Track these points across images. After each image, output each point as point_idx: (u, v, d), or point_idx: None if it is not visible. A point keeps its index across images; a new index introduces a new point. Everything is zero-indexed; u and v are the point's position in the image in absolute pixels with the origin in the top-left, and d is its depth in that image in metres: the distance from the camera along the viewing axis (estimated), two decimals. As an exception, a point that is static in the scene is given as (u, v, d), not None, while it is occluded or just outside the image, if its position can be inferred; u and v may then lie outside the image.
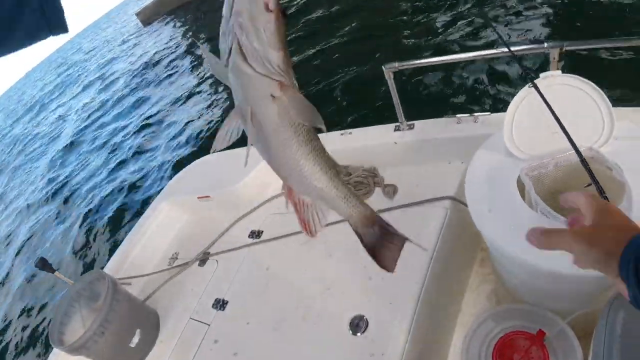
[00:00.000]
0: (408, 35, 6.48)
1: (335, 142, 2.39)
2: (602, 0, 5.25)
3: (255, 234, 2.30)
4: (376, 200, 2.17)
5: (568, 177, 1.72)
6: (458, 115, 2.16)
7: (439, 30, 6.26)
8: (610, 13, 4.96)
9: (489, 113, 2.12)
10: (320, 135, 2.46)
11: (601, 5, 5.14)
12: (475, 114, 2.13)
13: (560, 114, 1.71)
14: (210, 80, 9.08)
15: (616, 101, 1.71)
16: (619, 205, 1.48)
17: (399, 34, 6.63)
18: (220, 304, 2.10)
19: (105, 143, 9.84)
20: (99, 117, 12.49)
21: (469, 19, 6.14)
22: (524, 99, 1.75)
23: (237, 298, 2.09)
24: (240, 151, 2.93)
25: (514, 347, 1.72)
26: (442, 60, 2.02)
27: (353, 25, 7.76)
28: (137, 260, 2.62)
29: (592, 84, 1.68)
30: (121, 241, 2.76)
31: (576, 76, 1.70)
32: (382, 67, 2.03)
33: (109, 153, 9.04)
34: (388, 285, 1.80)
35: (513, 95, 1.75)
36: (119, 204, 6.53)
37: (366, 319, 1.73)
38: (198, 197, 2.63)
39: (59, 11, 0.49)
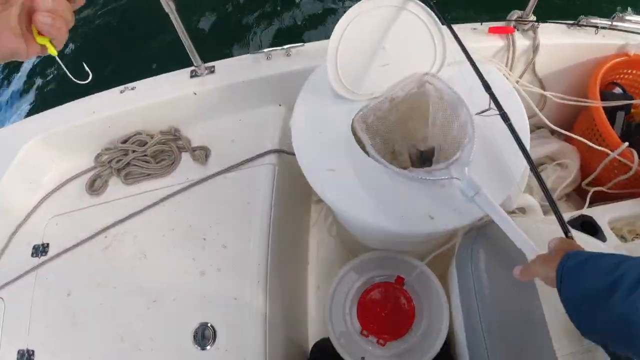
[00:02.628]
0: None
1: (115, 103, 1.81)
2: None
3: (41, 250, 1.68)
4: (186, 170, 1.75)
5: (406, 110, 1.58)
6: (266, 50, 1.80)
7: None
8: None
9: (302, 44, 1.82)
10: (92, 97, 1.81)
11: None
12: (286, 46, 1.81)
13: (391, 40, 1.51)
14: None
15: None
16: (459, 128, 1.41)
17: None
18: (27, 357, 1.51)
19: None
20: None
21: None
22: (348, 24, 1.47)
23: (44, 344, 1.54)
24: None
25: (377, 297, 1.63)
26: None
27: None
28: None
29: (424, 5, 1.48)
30: None
31: None
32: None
33: None
34: (227, 275, 1.50)
35: (332, 24, 1.45)
36: None
37: (212, 326, 1.42)
38: None
39: None
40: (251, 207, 1.60)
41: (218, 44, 2.78)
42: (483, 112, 1.23)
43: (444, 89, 1.46)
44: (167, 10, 1.55)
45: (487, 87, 1.24)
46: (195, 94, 1.76)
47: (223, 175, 1.69)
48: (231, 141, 1.78)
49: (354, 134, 1.44)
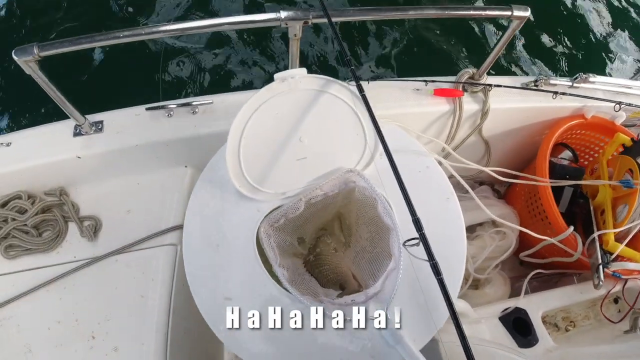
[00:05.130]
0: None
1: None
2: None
3: None
4: (73, 246, 1.49)
5: (319, 212, 1.35)
6: (168, 105, 1.49)
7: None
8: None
9: (210, 101, 1.51)
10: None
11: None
12: (194, 102, 1.50)
13: (309, 130, 1.25)
14: None
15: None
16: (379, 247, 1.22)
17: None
18: None
19: None
20: None
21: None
22: (255, 110, 1.20)
23: None
24: None
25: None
26: (125, 38, 1.23)
27: None
28: None
29: (348, 86, 1.22)
30: None
31: (326, 77, 1.20)
32: (14, 57, 1.17)
33: None
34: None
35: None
36: None
37: None
38: None
39: None
40: (146, 300, 1.39)
41: (105, 91, 2.26)
42: (409, 241, 0.97)
43: (369, 195, 1.24)
44: (37, 77, 1.23)
45: (418, 227, 0.96)
46: (80, 157, 1.46)
47: (114, 258, 1.45)
48: (127, 211, 1.52)
49: (259, 245, 1.22)
